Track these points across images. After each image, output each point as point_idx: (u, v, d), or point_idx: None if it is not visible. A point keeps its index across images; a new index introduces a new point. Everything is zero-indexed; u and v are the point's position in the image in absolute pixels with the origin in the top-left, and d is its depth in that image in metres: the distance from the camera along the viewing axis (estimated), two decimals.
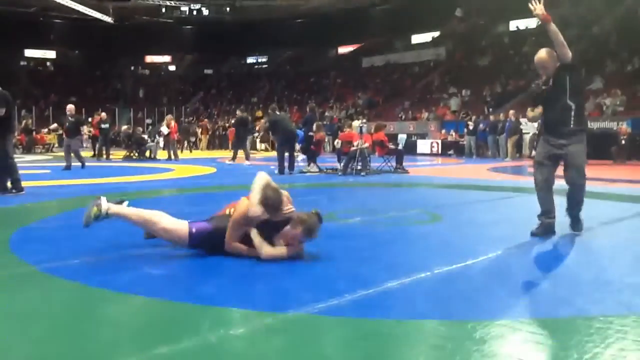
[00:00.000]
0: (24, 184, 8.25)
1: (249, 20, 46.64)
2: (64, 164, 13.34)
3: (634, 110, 21.33)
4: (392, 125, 27.40)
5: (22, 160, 15.29)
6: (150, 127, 32.51)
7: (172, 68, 54.33)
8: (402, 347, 2.48)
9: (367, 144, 12.57)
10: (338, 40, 46.75)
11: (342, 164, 12.95)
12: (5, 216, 6.44)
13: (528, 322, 2.74)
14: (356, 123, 14.34)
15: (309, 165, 13.55)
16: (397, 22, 42.39)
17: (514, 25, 37.60)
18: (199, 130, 31.78)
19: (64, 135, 14.80)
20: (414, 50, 41.20)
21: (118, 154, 20.88)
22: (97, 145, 19.93)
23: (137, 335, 2.64)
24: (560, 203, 4.96)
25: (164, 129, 18.75)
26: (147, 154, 19.67)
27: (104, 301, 3.10)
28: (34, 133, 26.35)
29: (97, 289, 3.25)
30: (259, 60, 53.28)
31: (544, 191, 4.92)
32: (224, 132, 29.63)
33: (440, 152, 24.28)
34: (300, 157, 14.62)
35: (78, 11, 41.04)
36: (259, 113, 36.62)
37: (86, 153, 21.77)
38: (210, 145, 30.67)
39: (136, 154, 19.62)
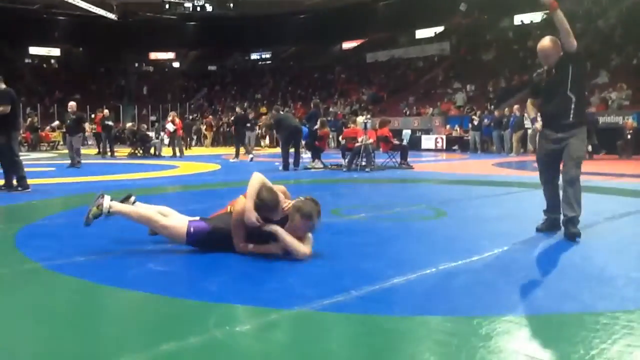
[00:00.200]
0: (29, 181, 8.28)
1: (252, 16, 46.67)
2: (68, 161, 13.38)
3: None
4: (397, 120, 27.34)
5: (27, 158, 15.33)
6: (156, 123, 32.59)
7: (176, 64, 54.39)
8: (408, 343, 2.48)
9: (371, 140, 12.56)
10: (342, 36, 46.72)
11: (346, 160, 12.93)
12: (11, 213, 6.46)
13: (534, 318, 2.74)
14: (360, 119, 14.32)
15: (313, 161, 13.54)
16: (401, 17, 42.35)
17: (518, 19, 37.51)
18: (203, 127, 31.81)
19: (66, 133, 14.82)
20: (418, 45, 41.15)
21: (123, 151, 20.91)
22: (102, 143, 19.92)
23: (142, 332, 2.65)
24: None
25: (170, 126, 18.76)
26: (152, 151, 19.70)
27: (109, 298, 3.11)
28: (39, 131, 26.40)
29: (102, 285, 3.26)
30: (263, 56, 53.29)
31: (549, 188, 4.84)
32: (228, 129, 29.64)
33: (444, 147, 24.24)
34: (306, 154, 14.62)
35: (82, 8, 41.11)
36: (264, 109, 36.64)
37: (91, 150, 21.88)
38: (215, 142, 30.69)
39: (141, 151, 19.66)
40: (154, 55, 53.83)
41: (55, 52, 50.00)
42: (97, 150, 20.82)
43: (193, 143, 30.11)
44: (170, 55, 54.26)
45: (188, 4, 45.83)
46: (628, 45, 27.13)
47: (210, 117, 35.14)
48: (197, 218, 4.15)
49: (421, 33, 42.59)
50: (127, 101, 45.88)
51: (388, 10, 44.66)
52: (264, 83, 47.27)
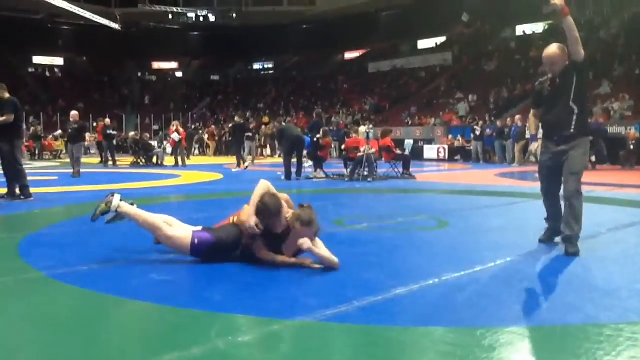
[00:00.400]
0: (32, 190, 8.30)
1: (255, 26, 46.91)
2: (71, 170, 13.40)
3: None
4: (399, 130, 27.37)
5: (30, 167, 15.37)
6: (161, 132, 32.66)
7: (178, 74, 54.56)
8: (411, 354, 2.47)
9: (373, 150, 12.57)
10: (344, 46, 46.90)
11: (348, 170, 12.94)
12: (14, 222, 6.47)
13: (537, 330, 2.73)
14: (363, 129, 14.34)
15: (315, 171, 13.55)
16: (403, 28, 42.55)
17: (520, 30, 37.64)
18: (205, 137, 31.87)
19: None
20: (420, 55, 41.25)
21: (125, 160, 20.94)
22: (104, 152, 19.94)
23: (145, 342, 2.64)
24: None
25: (175, 136, 18.79)
26: (154, 160, 19.72)
27: (112, 307, 3.11)
28: (42, 139, 26.48)
29: (105, 295, 3.26)
30: (266, 65, 53.48)
31: (549, 198, 4.74)
32: (230, 138, 29.69)
33: (447, 157, 24.21)
34: (308, 163, 14.63)
35: (86, 18, 41.36)
36: (266, 119, 36.71)
37: (93, 159, 21.92)
38: (217, 152, 30.73)
39: (143, 160, 19.67)
40: (157, 65, 54.03)
41: (59, 61, 50.20)
42: (99, 159, 20.84)
43: (196, 152, 30.19)
44: (173, 64, 54.46)
45: (191, 14, 46.13)
46: (630, 56, 27.18)
47: (213, 126, 35.21)
48: (200, 228, 4.15)
49: (423, 43, 42.72)
50: (130, 110, 46.01)
51: (390, 21, 44.88)
52: (267, 93, 47.40)
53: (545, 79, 4.67)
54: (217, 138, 31.25)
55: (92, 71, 50.35)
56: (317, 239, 3.97)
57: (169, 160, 19.89)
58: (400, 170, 13.38)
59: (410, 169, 13.51)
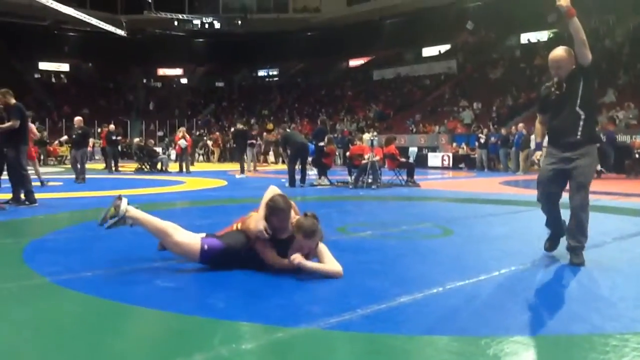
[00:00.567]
0: (36, 195, 8.32)
1: (260, 33, 47.09)
2: (73, 176, 13.45)
3: None
4: (403, 138, 27.41)
5: (34, 173, 15.39)
6: (166, 138, 32.75)
7: (184, 80, 54.75)
8: None
9: (378, 157, 12.56)
10: (349, 53, 47.02)
11: (353, 177, 12.93)
12: (19, 228, 6.48)
13: (542, 339, 2.71)
14: (367, 136, 14.35)
15: (319, 178, 13.55)
16: (408, 35, 42.63)
17: (525, 37, 37.67)
18: (210, 143, 31.96)
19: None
20: (424, 63, 41.33)
21: (130, 166, 20.98)
22: (108, 158, 20.00)
23: (148, 348, 2.64)
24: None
25: (182, 142, 18.85)
26: (159, 166, 19.77)
27: (116, 314, 3.10)
28: (47, 145, 26.56)
29: (109, 301, 3.26)
30: (270, 72, 53.63)
31: (549, 205, 4.54)
32: (234, 145, 29.77)
33: (451, 165, 24.21)
34: (312, 171, 14.63)
35: (92, 24, 41.57)
36: (270, 125, 36.79)
37: (98, 165, 21.98)
38: (222, 158, 30.80)
39: (147, 167, 19.72)
40: (162, 71, 54.27)
41: (65, 67, 50.46)
42: (104, 165, 20.90)
43: (201, 159, 30.26)
44: (178, 71, 54.67)
45: (197, 21, 46.34)
46: (635, 65, 27.20)
47: (218, 133, 35.31)
48: (204, 235, 4.14)
49: (428, 51, 42.80)
50: (135, 116, 46.19)
51: (394, 28, 44.97)
52: (271, 99, 47.51)
53: (551, 83, 4.51)
54: (221, 145, 31.34)
55: (97, 77, 50.60)
56: (321, 245, 3.95)
57: (173, 167, 19.93)
58: (405, 177, 13.37)
59: (415, 177, 13.49)
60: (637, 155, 18.04)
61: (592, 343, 2.64)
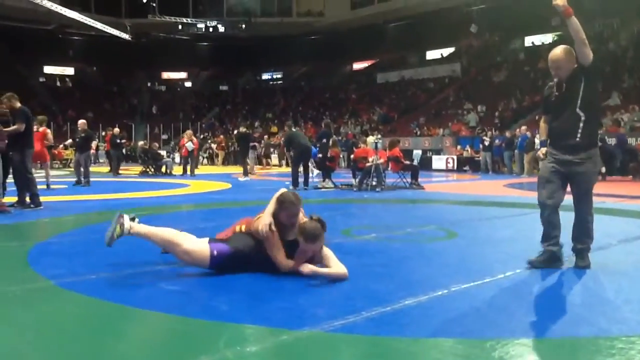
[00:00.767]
0: (41, 199, 8.34)
1: (264, 37, 47.14)
2: (74, 179, 13.49)
3: None
4: (407, 140, 27.39)
5: (40, 176, 15.45)
6: (172, 142, 32.82)
7: (188, 84, 54.87)
8: None
9: (382, 160, 12.55)
10: (353, 57, 47.04)
11: (357, 180, 12.93)
12: (24, 231, 6.50)
13: (548, 342, 2.70)
14: (371, 139, 14.34)
15: (324, 180, 13.55)
16: (412, 39, 42.62)
17: (529, 40, 37.61)
18: (214, 146, 32.03)
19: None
20: (428, 66, 41.31)
21: (134, 169, 21.02)
22: (113, 161, 20.04)
23: (153, 351, 2.64)
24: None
25: (189, 145, 18.88)
26: (163, 169, 19.80)
27: (120, 316, 3.11)
28: (52, 148, 26.62)
29: (113, 304, 3.26)
30: (274, 76, 53.69)
31: (548, 212, 4.34)
32: (238, 148, 29.84)
33: (455, 168, 24.18)
34: (314, 172, 14.64)
35: (96, 28, 41.71)
36: (274, 129, 36.82)
37: (103, 168, 22.03)
38: (226, 161, 30.85)
39: (152, 170, 19.76)
40: (166, 75, 54.39)
41: (70, 71, 50.63)
42: (108, 168, 20.94)
43: (205, 162, 30.33)
44: (182, 74, 54.79)
45: (201, 25, 46.45)
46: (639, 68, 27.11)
47: (222, 136, 35.38)
48: (207, 239, 4.12)
49: (432, 54, 42.80)
50: (139, 120, 46.31)
51: (398, 32, 44.95)
52: (275, 103, 47.56)
53: (553, 83, 4.41)
54: (225, 148, 31.42)
55: (102, 81, 50.76)
56: (325, 249, 3.95)
57: (177, 170, 19.97)
58: (409, 180, 13.35)
59: (419, 179, 13.48)
60: None
61: (598, 346, 2.63)
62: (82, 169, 13.24)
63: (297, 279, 3.78)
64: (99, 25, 41.19)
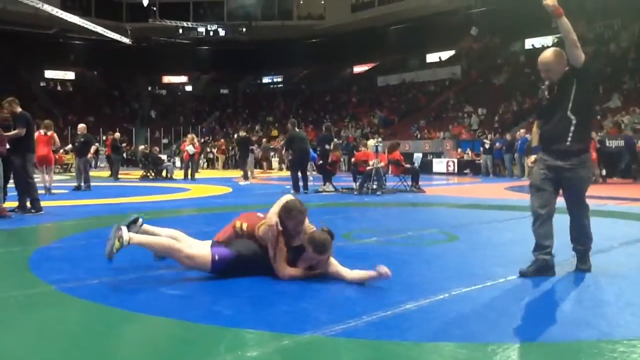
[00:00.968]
0: (42, 203, 8.35)
1: (264, 40, 47.16)
2: (74, 184, 13.50)
3: None
4: (408, 144, 27.38)
5: (40, 180, 15.46)
6: (174, 146, 32.84)
7: (188, 88, 54.90)
8: None
9: (382, 163, 12.55)
10: (353, 60, 47.03)
11: (357, 184, 12.93)
12: (25, 236, 6.50)
13: (550, 346, 2.70)
14: (372, 142, 14.34)
15: (324, 184, 13.54)
16: (412, 42, 42.62)
17: (529, 43, 37.62)
18: (214, 150, 32.06)
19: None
20: (429, 69, 41.32)
21: (135, 173, 21.02)
22: (114, 166, 20.03)
23: (154, 356, 2.64)
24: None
25: (190, 149, 18.89)
26: (164, 173, 19.81)
27: (121, 321, 3.11)
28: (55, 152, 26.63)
29: (114, 308, 3.26)
30: (275, 79, 53.69)
31: (540, 222, 4.16)
32: (239, 152, 29.88)
33: (456, 171, 24.17)
34: (312, 177, 14.62)
35: (97, 32, 41.74)
36: (275, 132, 36.81)
37: (103, 173, 22.04)
38: (227, 165, 30.87)
39: (153, 174, 19.76)
40: (167, 79, 54.41)
41: (70, 75, 50.64)
42: (109, 172, 20.95)
43: (205, 166, 30.35)
44: (183, 78, 54.81)
45: (201, 29, 46.47)
46: None
47: (222, 140, 35.40)
48: (209, 242, 4.12)
49: (432, 57, 42.82)
50: (140, 124, 46.33)
51: (399, 35, 44.99)
52: (276, 106, 47.57)
53: (544, 86, 4.31)
54: (226, 152, 31.45)
55: (102, 85, 50.80)
56: (332, 258, 3.96)
57: (178, 174, 19.97)
58: (409, 183, 13.35)
59: (419, 183, 13.47)
60: None
61: (600, 349, 2.62)
62: (81, 173, 13.25)
63: (299, 283, 3.79)
64: (99, 29, 41.22)
